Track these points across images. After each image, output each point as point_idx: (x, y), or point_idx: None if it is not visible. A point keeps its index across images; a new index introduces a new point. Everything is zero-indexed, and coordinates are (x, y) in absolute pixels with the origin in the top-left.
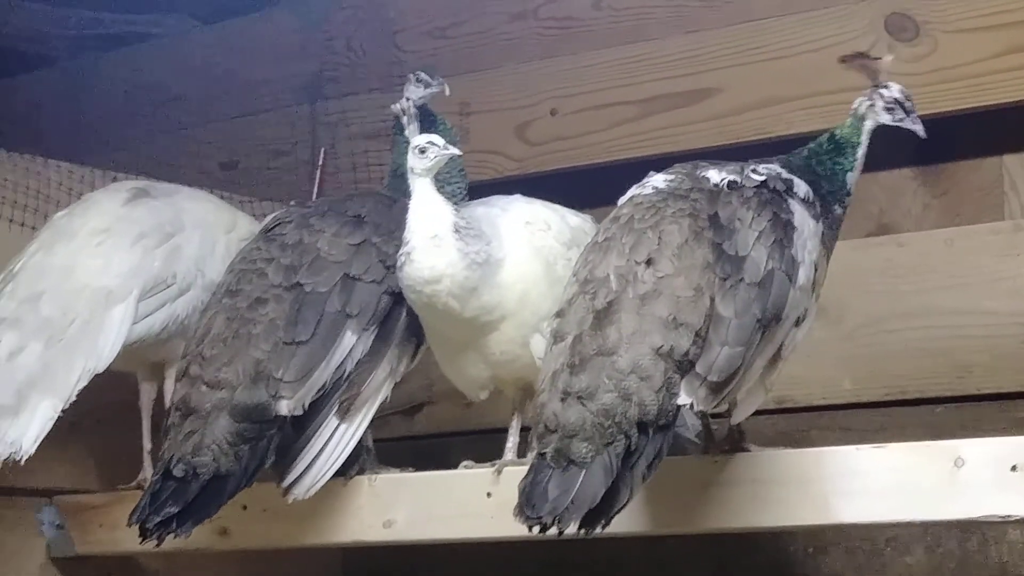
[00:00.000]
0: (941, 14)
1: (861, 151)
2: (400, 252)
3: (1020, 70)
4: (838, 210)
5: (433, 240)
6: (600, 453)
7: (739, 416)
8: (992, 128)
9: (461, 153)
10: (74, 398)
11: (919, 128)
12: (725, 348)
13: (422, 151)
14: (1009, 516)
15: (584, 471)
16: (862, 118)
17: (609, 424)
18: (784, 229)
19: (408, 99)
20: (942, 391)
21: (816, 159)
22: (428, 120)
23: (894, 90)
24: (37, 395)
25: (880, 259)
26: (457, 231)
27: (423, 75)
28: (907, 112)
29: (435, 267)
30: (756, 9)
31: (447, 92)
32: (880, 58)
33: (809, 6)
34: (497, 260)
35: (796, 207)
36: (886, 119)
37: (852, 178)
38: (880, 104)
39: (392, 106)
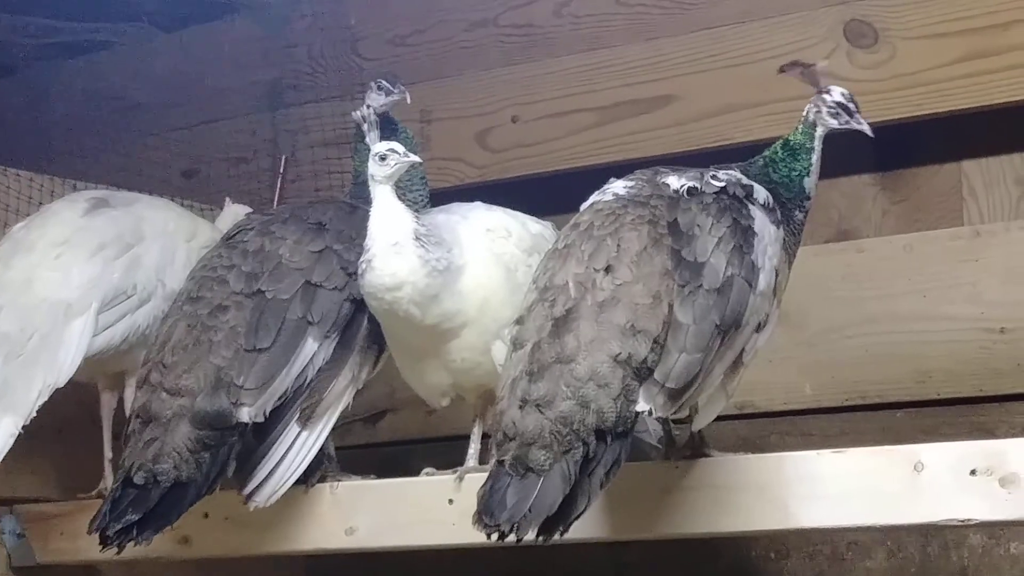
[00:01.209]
0: (900, 21)
1: (815, 156)
2: (361, 259)
3: (978, 76)
4: (799, 215)
5: (394, 247)
6: (558, 461)
7: (701, 423)
8: (951, 134)
9: (421, 161)
10: (35, 414)
11: (865, 127)
12: (683, 355)
13: (382, 158)
14: (968, 520)
15: (542, 479)
16: (813, 124)
17: (567, 432)
18: (744, 235)
19: (369, 106)
20: (902, 396)
21: (772, 167)
22: (389, 127)
23: (835, 94)
24: None
25: (840, 265)
26: (418, 238)
27: (384, 83)
28: (851, 114)
29: (396, 274)
30: (715, 17)
31: (408, 100)
32: (814, 64)
33: (768, 14)
34: (458, 267)
35: (756, 213)
36: (833, 124)
37: (809, 183)
38: (825, 110)
39: (352, 113)
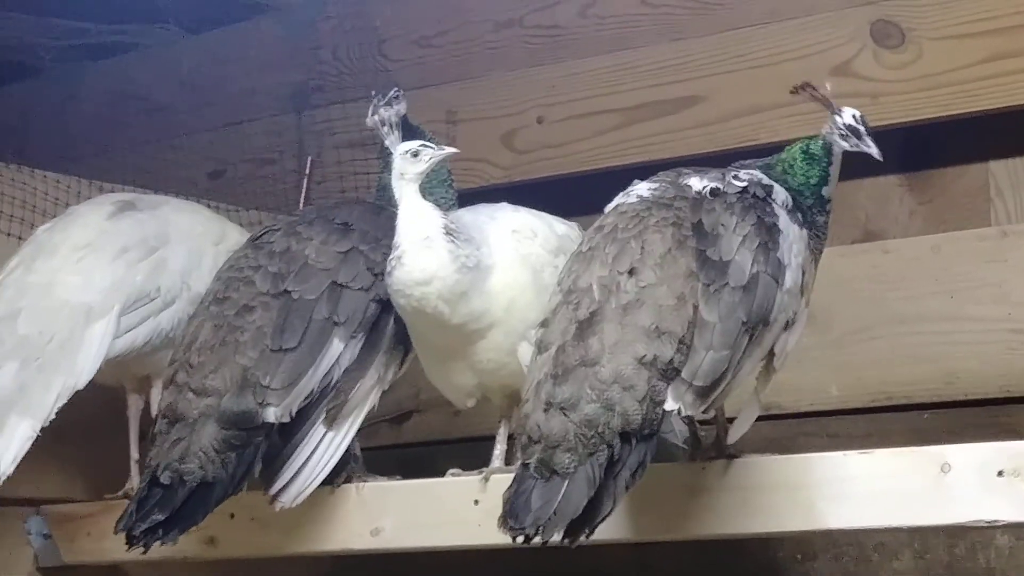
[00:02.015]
0: (926, 21)
1: (833, 169)
2: (390, 257)
3: (1005, 76)
4: (821, 219)
5: (425, 241)
6: (583, 463)
7: (737, 433)
8: (978, 134)
9: (457, 150)
10: (53, 416)
11: (873, 151)
12: (710, 353)
13: (415, 154)
14: (996, 521)
15: (567, 481)
16: (830, 144)
17: (592, 434)
18: (769, 232)
19: (388, 109)
20: (929, 397)
21: (790, 173)
22: (410, 132)
23: (846, 116)
24: (15, 417)
25: (867, 266)
26: (448, 233)
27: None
28: (860, 136)
29: (426, 269)
30: (741, 17)
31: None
32: (817, 88)
33: (794, 14)
34: (487, 266)
35: (779, 211)
36: (844, 146)
37: (828, 191)
38: (836, 134)
39: (366, 120)
